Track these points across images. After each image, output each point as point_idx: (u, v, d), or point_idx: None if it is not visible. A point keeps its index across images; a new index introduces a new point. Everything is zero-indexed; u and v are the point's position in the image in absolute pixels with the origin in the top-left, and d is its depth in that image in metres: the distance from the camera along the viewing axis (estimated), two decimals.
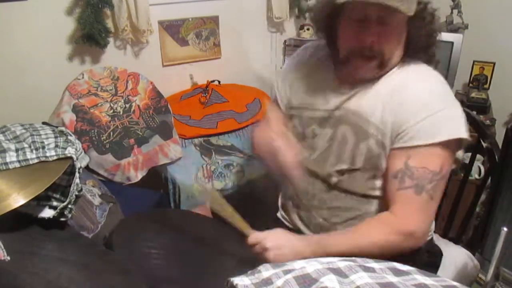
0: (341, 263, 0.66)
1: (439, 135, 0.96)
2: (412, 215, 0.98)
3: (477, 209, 1.56)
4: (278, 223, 1.26)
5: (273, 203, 1.32)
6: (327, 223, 1.14)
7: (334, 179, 1.10)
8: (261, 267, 0.67)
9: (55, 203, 1.12)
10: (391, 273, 0.64)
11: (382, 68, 1.02)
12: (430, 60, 1.07)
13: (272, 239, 0.99)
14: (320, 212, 1.15)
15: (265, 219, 1.27)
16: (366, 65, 1.01)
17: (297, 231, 1.20)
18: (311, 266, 0.64)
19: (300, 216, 1.20)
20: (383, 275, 0.63)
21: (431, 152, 0.97)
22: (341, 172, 1.09)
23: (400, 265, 0.68)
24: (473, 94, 2.27)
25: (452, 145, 0.99)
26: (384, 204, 1.06)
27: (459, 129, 0.98)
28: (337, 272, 0.62)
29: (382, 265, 0.67)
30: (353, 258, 0.70)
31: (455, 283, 0.63)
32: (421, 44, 1.03)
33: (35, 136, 1.14)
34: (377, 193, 1.10)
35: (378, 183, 1.08)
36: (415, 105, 0.98)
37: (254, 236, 1.02)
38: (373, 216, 1.08)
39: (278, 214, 1.30)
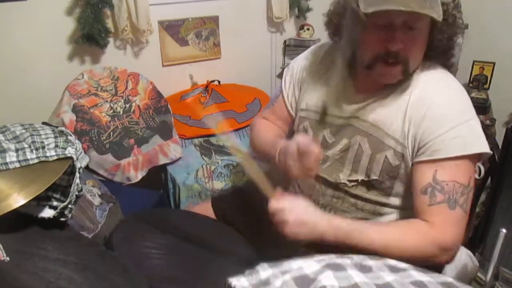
0: (337, 259, 0.66)
1: (466, 148, 0.94)
2: (449, 230, 0.94)
3: (477, 209, 1.57)
4: (278, 231, 1.25)
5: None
6: None
7: (346, 189, 1.09)
8: (258, 267, 0.67)
9: (55, 203, 1.12)
10: (387, 270, 0.64)
11: (406, 73, 0.99)
12: (448, 62, 1.04)
13: (294, 213, 0.93)
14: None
15: (266, 221, 1.27)
16: (390, 71, 0.98)
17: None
18: (308, 267, 0.64)
19: None
20: (380, 273, 0.63)
21: (459, 165, 0.95)
22: (355, 183, 1.07)
23: (396, 262, 0.68)
24: (473, 94, 2.27)
25: (475, 158, 0.98)
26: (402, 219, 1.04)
27: (484, 143, 0.96)
28: (333, 267, 0.62)
29: (379, 262, 0.67)
30: (350, 256, 0.70)
31: (450, 280, 0.63)
32: (442, 47, 1.01)
33: (35, 136, 1.14)
34: (389, 208, 1.08)
35: (393, 198, 1.07)
36: (439, 117, 0.96)
37: (275, 204, 0.95)
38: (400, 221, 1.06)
39: None
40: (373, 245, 0.91)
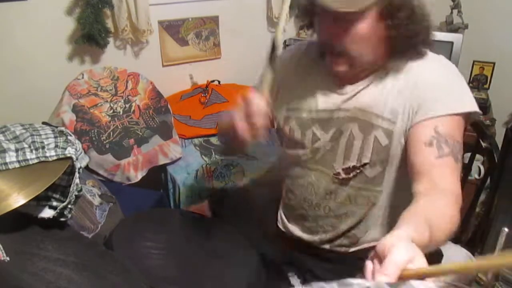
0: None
1: (464, 106, 0.97)
2: (455, 181, 0.93)
3: (477, 209, 1.56)
4: (278, 233, 1.26)
5: (272, 210, 1.30)
6: (333, 230, 1.14)
7: (339, 180, 1.09)
8: None
9: (55, 203, 1.12)
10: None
11: (354, 66, 0.99)
12: (418, 55, 1.03)
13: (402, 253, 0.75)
14: (327, 220, 1.14)
15: (265, 221, 1.27)
16: (336, 61, 1.00)
17: (298, 240, 1.19)
18: None
19: (304, 227, 1.18)
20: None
21: (455, 122, 0.97)
22: (348, 170, 1.08)
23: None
24: (473, 94, 2.26)
25: (467, 117, 1.00)
26: (400, 204, 0.97)
27: (475, 103, 1.00)
28: None
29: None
30: (350, 282, 0.65)
31: (449, 281, 0.63)
32: (403, 43, 0.98)
33: (35, 136, 1.14)
34: (381, 197, 1.08)
35: (384, 185, 1.07)
36: (430, 82, 0.98)
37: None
38: (376, 215, 1.07)
39: (278, 216, 1.29)
40: (426, 232, 0.78)
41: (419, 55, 1.02)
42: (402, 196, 1.02)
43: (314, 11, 1.01)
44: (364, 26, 0.94)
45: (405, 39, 0.97)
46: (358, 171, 1.06)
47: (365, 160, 1.05)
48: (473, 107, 0.99)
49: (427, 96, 0.98)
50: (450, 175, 0.92)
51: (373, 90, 1.03)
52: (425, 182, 0.91)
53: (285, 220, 1.24)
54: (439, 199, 0.87)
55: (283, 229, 1.25)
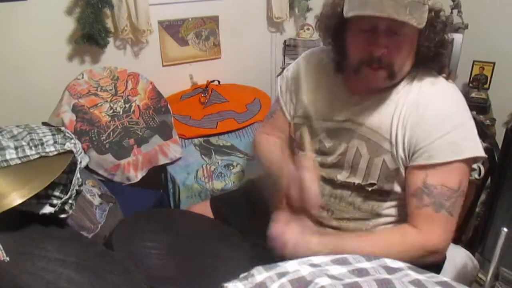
0: (334, 269, 0.65)
1: (459, 153, 0.95)
2: (433, 232, 0.97)
3: (477, 209, 1.56)
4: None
5: (272, 200, 1.31)
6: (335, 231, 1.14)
7: (344, 190, 1.09)
8: (254, 271, 0.67)
9: (55, 201, 1.12)
10: (384, 271, 0.64)
11: (392, 78, 1.00)
12: (441, 69, 1.04)
13: (290, 237, 0.98)
14: (328, 222, 1.14)
15: (265, 221, 1.27)
16: (375, 75, 0.99)
17: None
18: (304, 269, 0.64)
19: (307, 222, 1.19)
20: (377, 275, 0.63)
21: (450, 170, 0.96)
22: (352, 186, 1.08)
23: (391, 262, 0.68)
24: (473, 94, 2.27)
25: (469, 161, 0.98)
26: (400, 218, 1.06)
27: (477, 147, 0.97)
28: (332, 278, 0.62)
29: (374, 263, 0.67)
30: (345, 257, 0.70)
31: (446, 279, 0.63)
32: (431, 54, 1.00)
33: (33, 134, 1.13)
34: (387, 211, 1.08)
35: (391, 199, 1.07)
36: (432, 123, 0.96)
37: (274, 230, 1.00)
38: (389, 227, 1.07)
39: None
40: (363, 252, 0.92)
41: (442, 66, 1.02)
42: (405, 210, 1.03)
43: (344, 27, 1.00)
44: (410, 37, 0.95)
45: (432, 49, 0.98)
46: (363, 188, 1.07)
47: (372, 180, 1.05)
48: (474, 152, 0.96)
49: (427, 139, 0.96)
50: (426, 226, 0.97)
51: (384, 109, 1.02)
52: (410, 222, 1.00)
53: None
54: (397, 239, 0.98)
55: None
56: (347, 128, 1.07)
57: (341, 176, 1.09)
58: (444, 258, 1.18)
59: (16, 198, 0.99)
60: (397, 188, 1.05)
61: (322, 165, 1.12)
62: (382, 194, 1.07)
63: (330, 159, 1.10)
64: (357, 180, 1.07)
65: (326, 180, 1.12)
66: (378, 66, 0.97)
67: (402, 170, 1.02)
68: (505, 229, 0.80)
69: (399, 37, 0.94)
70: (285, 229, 1.00)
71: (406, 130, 0.99)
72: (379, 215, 1.09)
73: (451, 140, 0.95)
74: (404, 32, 0.93)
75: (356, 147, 1.05)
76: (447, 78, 1.03)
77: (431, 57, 1.00)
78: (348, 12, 0.93)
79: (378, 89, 1.03)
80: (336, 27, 1.03)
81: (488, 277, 0.83)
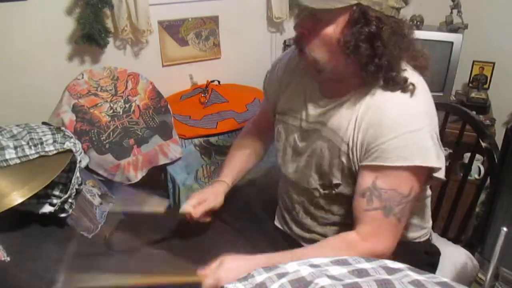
0: (334, 270, 0.65)
1: (407, 160, 0.92)
2: (380, 238, 0.96)
3: (477, 209, 1.57)
4: (277, 231, 1.26)
5: (272, 200, 1.31)
6: (323, 237, 1.13)
7: (317, 193, 1.09)
8: (254, 272, 0.67)
9: (55, 201, 1.12)
10: (384, 272, 0.64)
11: (319, 70, 0.97)
12: (393, 85, 0.94)
13: (221, 268, 0.95)
14: (314, 229, 1.15)
15: (264, 226, 1.27)
16: (300, 57, 1.00)
17: (297, 238, 1.20)
18: (304, 270, 0.64)
19: (297, 227, 1.20)
20: (377, 276, 0.63)
21: (400, 175, 0.93)
22: (324, 186, 1.08)
23: (391, 263, 0.68)
24: (472, 94, 2.27)
25: (423, 171, 0.94)
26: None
27: (428, 156, 0.92)
28: (332, 278, 0.62)
29: (374, 264, 0.67)
30: (345, 258, 0.70)
31: (445, 279, 0.63)
32: (364, 60, 0.91)
33: (32, 134, 1.14)
34: None
35: None
36: (384, 126, 0.93)
37: (207, 281, 0.95)
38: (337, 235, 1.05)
39: (276, 223, 1.29)
40: None
41: (392, 86, 0.94)
42: None
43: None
44: (330, 29, 0.91)
45: (363, 52, 0.89)
46: (333, 190, 1.06)
47: (336, 181, 1.05)
48: (423, 161, 0.92)
49: (377, 140, 0.94)
50: (374, 230, 0.96)
51: (345, 111, 1.00)
52: (356, 227, 0.98)
53: (284, 219, 1.24)
54: (341, 250, 0.96)
55: (281, 228, 1.26)
56: (316, 129, 1.07)
57: (313, 179, 1.09)
58: (438, 257, 1.19)
59: (16, 198, 0.99)
60: None
61: (296, 168, 1.12)
62: (350, 198, 1.05)
63: (301, 160, 1.10)
64: (323, 181, 1.07)
65: (300, 190, 1.13)
66: (300, 48, 0.98)
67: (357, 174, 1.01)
68: (505, 229, 0.80)
69: (319, 22, 0.92)
70: (212, 268, 0.97)
71: (360, 131, 0.97)
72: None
73: (400, 145, 0.92)
74: (324, 18, 0.91)
75: (320, 149, 1.05)
76: (411, 92, 0.95)
77: (373, 68, 0.92)
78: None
79: (346, 93, 1.01)
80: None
81: (488, 277, 0.83)
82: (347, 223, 1.07)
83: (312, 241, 1.14)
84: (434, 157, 0.93)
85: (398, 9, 0.91)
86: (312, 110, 1.07)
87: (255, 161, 1.33)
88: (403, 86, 0.94)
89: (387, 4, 0.89)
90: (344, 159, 1.01)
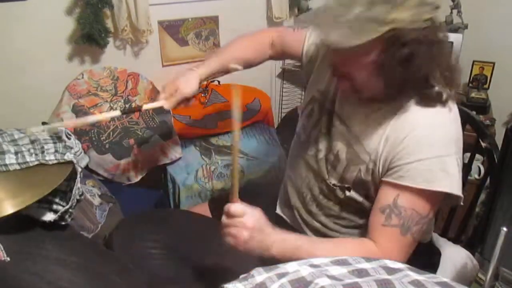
0: (334, 270, 0.65)
1: (431, 183, 0.92)
2: (395, 253, 0.95)
3: (477, 209, 1.57)
4: (278, 220, 1.26)
5: (272, 200, 1.31)
6: (324, 228, 1.14)
7: (331, 191, 1.10)
8: (253, 271, 0.67)
9: (55, 207, 1.12)
10: (384, 272, 0.64)
11: (358, 91, 0.97)
12: (427, 101, 0.95)
13: (251, 218, 0.92)
14: (317, 218, 1.15)
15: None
16: (338, 82, 1.01)
17: (297, 229, 1.20)
18: (304, 270, 0.64)
19: (300, 216, 1.20)
20: (377, 276, 0.63)
21: (422, 197, 0.94)
22: (333, 184, 1.08)
23: (391, 263, 0.68)
24: (472, 94, 2.27)
25: (442, 195, 0.95)
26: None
27: (452, 184, 0.93)
28: (332, 278, 0.63)
29: (374, 264, 0.67)
30: (345, 258, 0.70)
31: (445, 279, 0.63)
32: (398, 82, 0.91)
33: (35, 143, 1.13)
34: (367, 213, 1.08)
35: (368, 206, 1.06)
36: (414, 145, 0.93)
37: (234, 207, 0.93)
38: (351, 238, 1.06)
39: (278, 211, 1.29)
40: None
41: (426, 101, 0.95)
42: None
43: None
44: (367, 58, 0.89)
45: (398, 76, 0.89)
46: (343, 192, 1.07)
47: (347, 184, 1.05)
48: (448, 188, 0.93)
49: (403, 159, 0.94)
50: (390, 245, 0.95)
51: (373, 122, 1.00)
52: (372, 239, 0.97)
53: (281, 206, 1.26)
54: (360, 249, 0.96)
55: (282, 215, 1.26)
56: (337, 129, 1.07)
57: (327, 173, 1.09)
58: (439, 257, 1.19)
59: (14, 205, 0.98)
60: (371, 198, 1.05)
61: (317, 155, 1.12)
62: (365, 209, 1.06)
63: (320, 154, 1.10)
64: (334, 181, 1.07)
65: (316, 176, 1.12)
66: (338, 75, 0.97)
67: (373, 186, 1.01)
68: (505, 229, 0.80)
69: (356, 53, 0.88)
70: (247, 210, 0.93)
71: (387, 145, 0.97)
72: (364, 213, 1.08)
73: (427, 168, 0.92)
74: (359, 52, 0.87)
75: (338, 151, 1.05)
76: (444, 103, 0.96)
77: (405, 86, 0.93)
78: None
79: (378, 101, 1.00)
80: None
81: (488, 277, 0.83)
82: (353, 221, 1.09)
83: (315, 230, 1.14)
84: (458, 186, 0.94)
85: (431, 17, 0.87)
86: (345, 108, 1.06)
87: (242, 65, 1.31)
88: (438, 100, 0.94)
89: (421, 19, 0.84)
90: (362, 168, 1.01)
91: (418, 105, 0.96)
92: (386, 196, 0.96)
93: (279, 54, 1.29)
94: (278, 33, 1.30)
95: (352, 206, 1.09)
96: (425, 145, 0.93)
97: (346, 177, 1.04)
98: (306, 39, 1.19)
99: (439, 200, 0.96)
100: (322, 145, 1.10)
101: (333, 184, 1.07)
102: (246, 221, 0.92)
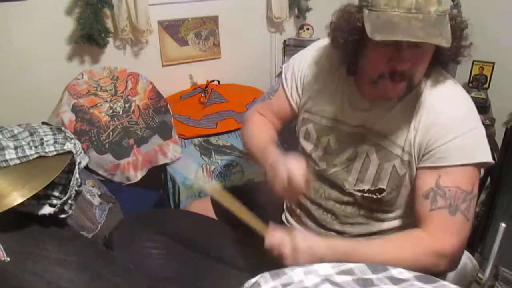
0: (338, 277, 0.65)
1: (470, 157, 0.95)
2: (448, 236, 0.95)
3: (477, 209, 1.57)
4: (283, 226, 1.25)
5: (276, 205, 1.30)
6: (338, 235, 1.13)
7: (351, 197, 1.09)
8: (260, 279, 0.67)
9: (54, 201, 1.12)
10: (389, 282, 0.64)
11: (411, 88, 0.99)
12: (437, 76, 1.03)
13: (288, 244, 0.93)
14: (332, 226, 1.14)
15: (266, 220, 1.27)
16: (395, 87, 0.97)
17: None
18: (309, 280, 0.64)
19: (310, 224, 1.18)
20: (382, 286, 0.63)
21: (463, 172, 0.95)
22: (360, 192, 1.07)
23: (398, 273, 0.67)
24: (472, 94, 2.27)
25: (482, 166, 0.98)
26: (411, 223, 1.03)
27: (487, 152, 0.97)
28: (335, 285, 0.62)
29: (380, 275, 0.66)
30: (351, 268, 0.69)
31: (453, 286, 0.63)
32: (446, 60, 1.00)
33: (34, 135, 1.14)
34: (392, 215, 1.09)
35: (396, 207, 1.07)
36: (444, 126, 0.96)
37: (270, 240, 0.96)
38: (398, 232, 1.05)
39: (283, 217, 1.29)
40: (371, 260, 0.87)
41: (443, 76, 1.02)
42: (411, 216, 1.03)
43: (364, 40, 0.95)
44: (431, 49, 0.94)
45: (448, 57, 0.99)
46: (372, 195, 1.06)
47: (381, 185, 1.05)
48: (484, 157, 0.96)
49: (438, 141, 0.96)
50: (441, 229, 0.95)
51: (395, 115, 1.01)
52: (422, 227, 0.97)
53: (289, 213, 1.24)
54: (406, 245, 0.96)
55: (287, 223, 1.25)
56: (358, 133, 1.06)
57: (348, 184, 1.08)
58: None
59: (15, 198, 0.99)
60: (403, 197, 1.05)
61: (330, 168, 1.11)
62: (388, 203, 1.06)
63: (336, 161, 1.10)
64: (365, 186, 1.06)
65: (333, 186, 1.11)
66: (400, 79, 0.95)
67: (409, 176, 1.02)
68: (503, 225, 0.80)
69: (422, 50, 0.92)
70: (282, 237, 0.95)
71: (417, 133, 0.98)
72: (382, 221, 1.09)
73: (462, 144, 0.95)
74: (426, 45, 0.90)
75: (366, 153, 1.05)
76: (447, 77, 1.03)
77: (445, 63, 1.02)
78: (375, 35, 0.87)
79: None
80: (356, 41, 0.98)
81: (487, 273, 0.83)
82: (370, 223, 1.09)
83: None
84: (489, 152, 0.97)
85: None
86: (355, 113, 1.07)
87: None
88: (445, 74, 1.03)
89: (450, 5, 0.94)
90: (396, 163, 1.02)
91: (432, 86, 1.00)
92: (427, 181, 0.97)
93: (278, 122, 1.28)
94: (261, 110, 1.30)
95: (373, 210, 1.08)
96: (455, 123, 0.96)
97: (380, 177, 1.04)
98: (288, 92, 1.20)
99: (479, 173, 0.98)
100: (336, 158, 1.09)
101: (367, 190, 1.06)
102: (282, 250, 0.93)
